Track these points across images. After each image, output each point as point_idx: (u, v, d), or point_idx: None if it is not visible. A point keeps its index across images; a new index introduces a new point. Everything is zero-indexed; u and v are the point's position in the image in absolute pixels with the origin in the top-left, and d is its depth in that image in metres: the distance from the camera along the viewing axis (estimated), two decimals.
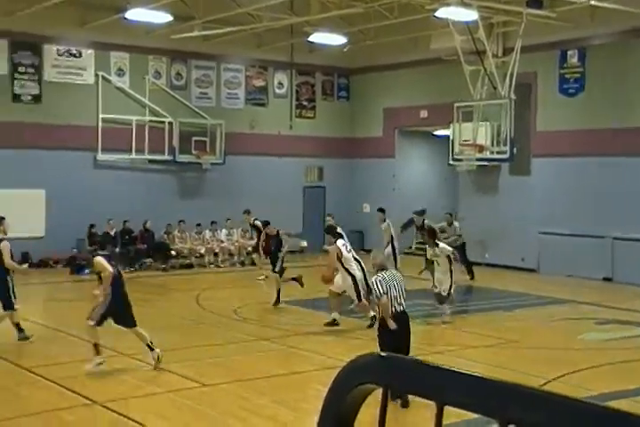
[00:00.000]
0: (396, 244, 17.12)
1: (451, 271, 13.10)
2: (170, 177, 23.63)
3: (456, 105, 21.82)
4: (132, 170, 22.97)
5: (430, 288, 13.78)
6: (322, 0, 20.38)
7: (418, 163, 26.24)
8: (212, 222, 22.31)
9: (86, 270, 19.98)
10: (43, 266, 20.44)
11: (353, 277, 12.39)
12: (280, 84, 26.26)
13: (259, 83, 25.82)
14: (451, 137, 22.18)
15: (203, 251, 21.81)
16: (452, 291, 13.15)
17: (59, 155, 21.43)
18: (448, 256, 12.97)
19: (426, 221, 17.52)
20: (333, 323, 12.44)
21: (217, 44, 23.40)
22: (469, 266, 19.18)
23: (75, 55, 22.53)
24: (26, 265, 13.31)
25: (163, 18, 19.89)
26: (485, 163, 21.57)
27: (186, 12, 20.91)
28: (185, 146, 23.45)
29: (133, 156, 22.81)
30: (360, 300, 12.37)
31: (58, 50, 22.24)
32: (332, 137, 26.66)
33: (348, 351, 10.61)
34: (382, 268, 8.81)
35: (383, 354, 1.29)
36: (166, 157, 23.27)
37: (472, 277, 19.07)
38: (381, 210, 17.83)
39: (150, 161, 23.15)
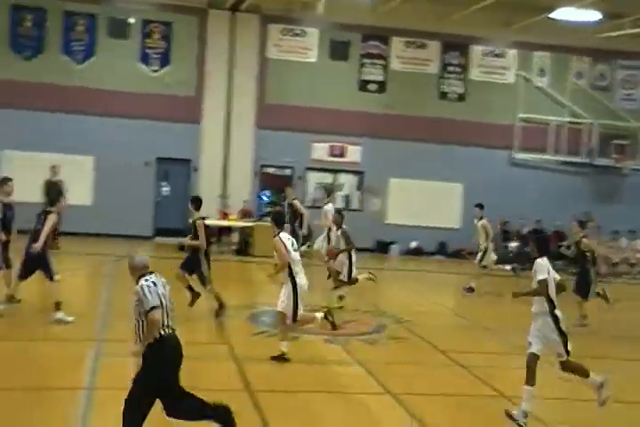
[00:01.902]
0: (491, 245, 15.57)
1: (553, 317, 7.53)
2: (583, 180, 23.14)
3: None
4: (545, 170, 23.00)
5: None
6: None
7: None
8: (631, 231, 21.40)
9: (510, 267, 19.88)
10: (456, 257, 21.51)
11: (295, 285, 9.26)
12: None
13: None
14: None
15: (617, 260, 21.10)
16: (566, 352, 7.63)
17: (476, 151, 22.32)
18: (560, 285, 7.78)
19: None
20: (282, 357, 9.27)
21: None
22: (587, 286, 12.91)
23: (498, 55, 23.18)
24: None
25: (592, 16, 19.46)
26: None
27: (616, 9, 20.19)
28: (603, 149, 22.81)
29: (548, 156, 22.82)
30: (295, 319, 9.33)
31: (483, 50, 23.09)
32: None
33: None
34: (145, 272, 6.18)
35: None
36: (582, 159, 22.86)
37: (606, 300, 13.17)
38: (480, 206, 16.04)
39: (563, 162, 22.94)
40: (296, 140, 21.75)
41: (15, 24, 20.87)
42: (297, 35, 22.32)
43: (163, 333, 5.95)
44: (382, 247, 22.00)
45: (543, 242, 8.10)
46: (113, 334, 10.05)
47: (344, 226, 12.94)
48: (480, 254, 15.68)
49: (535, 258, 7.77)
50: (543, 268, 7.65)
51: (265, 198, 22.37)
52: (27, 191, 19.15)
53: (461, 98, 22.99)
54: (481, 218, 15.79)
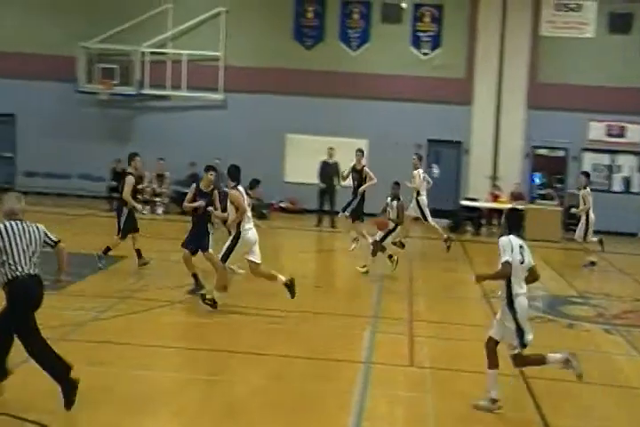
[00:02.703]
0: (591, 215, 15.00)
1: None
2: None
3: None
4: None
5: None
6: None
7: None
8: None
9: None
10: None
11: (238, 236, 9.74)
12: None
13: None
14: None
15: None
16: None
17: None
18: (531, 272, 7.05)
19: None
20: (212, 303, 9.76)
21: None
22: None
23: None
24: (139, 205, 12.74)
25: None
26: None
27: None
28: None
29: None
30: (225, 261, 9.82)
31: None
32: None
33: None
34: (12, 217, 6.39)
35: None
36: None
37: None
38: (586, 174, 15.92)
39: None
40: (570, 119, 20.86)
41: (299, 15, 22.16)
42: (572, 9, 21.37)
43: (16, 275, 6.21)
44: None
45: (517, 218, 7.22)
46: (386, 311, 10.47)
47: (401, 198, 13.66)
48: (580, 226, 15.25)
49: (501, 235, 7.03)
50: (507, 247, 6.79)
51: (537, 180, 21.82)
52: (306, 173, 20.55)
53: None
54: (584, 187, 15.31)
